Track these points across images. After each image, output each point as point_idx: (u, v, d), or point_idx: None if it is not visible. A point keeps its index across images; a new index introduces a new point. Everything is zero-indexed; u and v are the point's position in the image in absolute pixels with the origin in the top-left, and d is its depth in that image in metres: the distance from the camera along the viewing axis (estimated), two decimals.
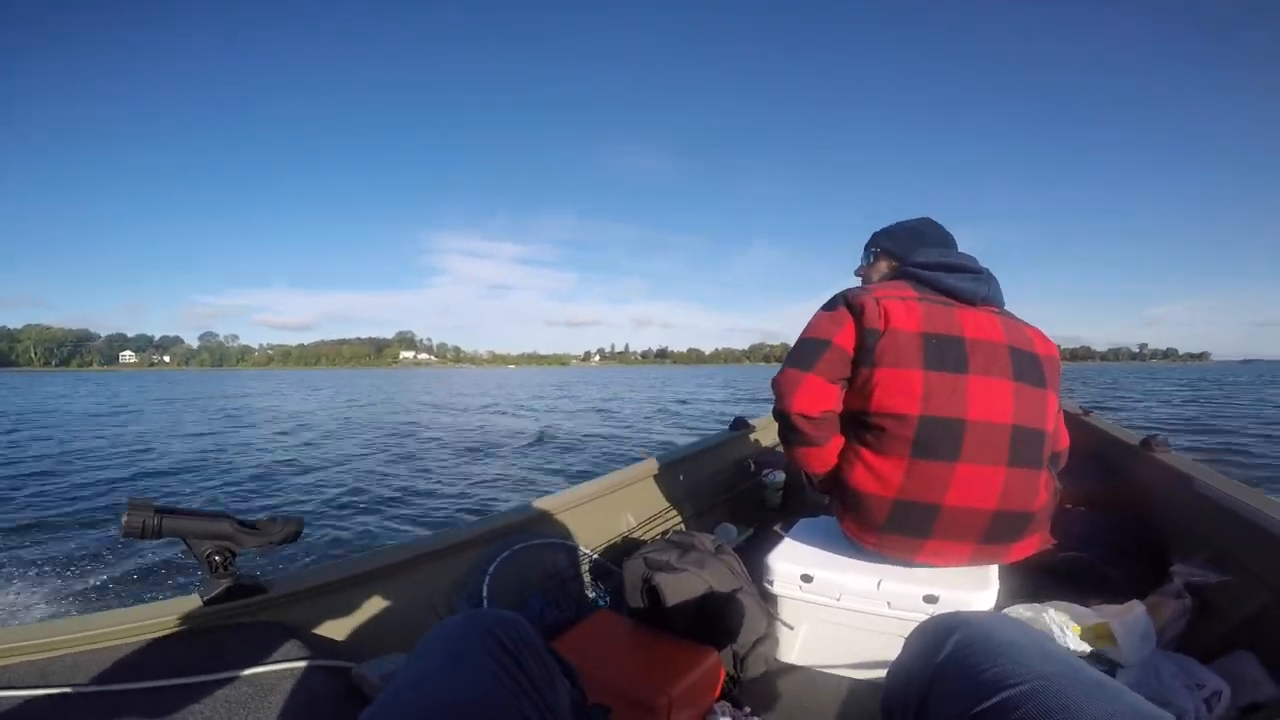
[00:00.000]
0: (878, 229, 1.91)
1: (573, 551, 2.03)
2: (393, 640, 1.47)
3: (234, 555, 1.31)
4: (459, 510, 6.60)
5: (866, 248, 1.92)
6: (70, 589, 4.25)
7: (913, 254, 1.70)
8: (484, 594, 1.70)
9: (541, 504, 2.11)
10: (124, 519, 1.17)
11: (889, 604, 1.53)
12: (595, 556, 2.09)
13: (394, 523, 6.09)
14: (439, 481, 8.30)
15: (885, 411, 1.47)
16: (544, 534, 2.00)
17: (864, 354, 1.49)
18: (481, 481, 8.31)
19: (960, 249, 1.80)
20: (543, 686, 0.71)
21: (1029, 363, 1.51)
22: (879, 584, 1.53)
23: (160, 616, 1.25)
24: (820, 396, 1.54)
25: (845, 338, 1.52)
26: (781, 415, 1.60)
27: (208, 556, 1.29)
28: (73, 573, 4.60)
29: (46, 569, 4.67)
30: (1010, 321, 1.58)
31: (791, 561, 1.65)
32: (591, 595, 1.96)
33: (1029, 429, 1.46)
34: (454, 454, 10.96)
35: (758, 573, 1.71)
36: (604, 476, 2.47)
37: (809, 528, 1.84)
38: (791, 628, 1.64)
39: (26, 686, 1.05)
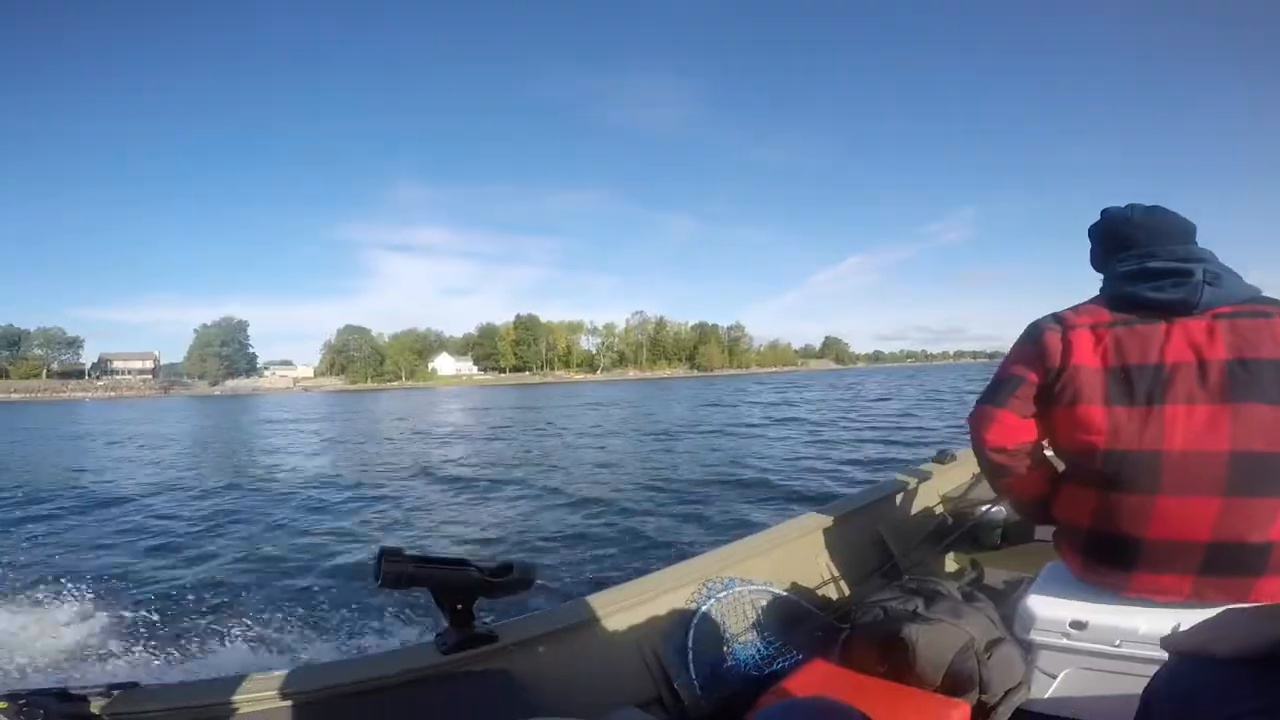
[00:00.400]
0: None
1: (775, 598, 1.97)
2: (613, 690, 1.56)
3: (473, 604, 1.42)
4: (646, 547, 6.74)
5: (1092, 264, 1.75)
6: (302, 632, 4.55)
7: (1113, 261, 1.58)
8: (689, 644, 1.72)
9: (740, 547, 2.11)
10: (383, 569, 1.27)
11: None
12: (802, 602, 2.03)
13: (587, 563, 6.25)
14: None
15: (1072, 449, 1.47)
16: (745, 580, 1.96)
17: (1047, 391, 1.48)
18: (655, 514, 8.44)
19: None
20: None
21: (1266, 373, 1.35)
22: (1175, 627, 1.39)
23: (400, 667, 1.34)
24: (1013, 431, 1.55)
25: (1034, 374, 1.51)
26: (978, 451, 1.64)
27: (451, 606, 1.40)
28: (303, 616, 4.88)
29: (276, 611, 4.95)
30: (1241, 324, 1.39)
31: (1055, 607, 1.54)
32: (800, 644, 1.87)
33: (1257, 454, 1.32)
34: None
35: (1008, 618, 1.62)
36: (802, 516, 2.42)
37: (1058, 571, 1.71)
38: (1053, 676, 1.54)
39: None
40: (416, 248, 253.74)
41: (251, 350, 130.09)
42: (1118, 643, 1.46)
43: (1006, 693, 1.46)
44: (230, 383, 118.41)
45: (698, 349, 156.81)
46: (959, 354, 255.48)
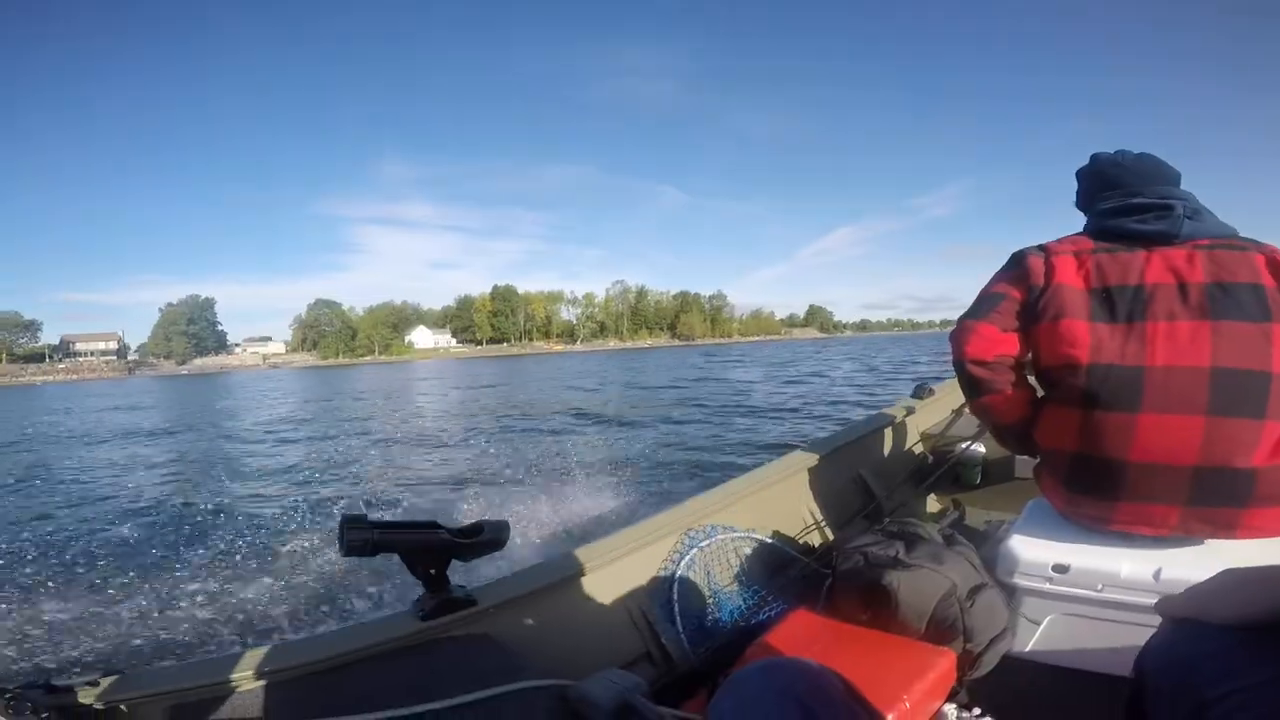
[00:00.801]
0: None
1: (759, 545, 1.97)
2: (599, 650, 1.55)
3: (446, 568, 1.39)
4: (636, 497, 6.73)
5: (1078, 207, 1.79)
6: (278, 610, 4.56)
7: (1097, 200, 1.63)
8: (674, 598, 1.72)
9: (720, 493, 2.08)
10: (346, 537, 1.24)
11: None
12: (785, 548, 2.03)
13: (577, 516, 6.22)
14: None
15: (1054, 364, 1.50)
16: (728, 527, 1.96)
17: (1030, 309, 1.54)
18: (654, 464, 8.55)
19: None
20: None
21: (1244, 296, 1.38)
22: (1158, 572, 1.42)
23: (379, 637, 1.33)
24: (993, 341, 1.60)
25: (1016, 291, 1.58)
26: (957, 364, 1.68)
27: (424, 571, 1.37)
28: (278, 593, 4.89)
29: (251, 591, 4.94)
30: (1220, 254, 1.44)
31: (1037, 549, 1.55)
32: (785, 592, 1.88)
33: (1238, 370, 1.34)
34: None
35: (989, 561, 1.62)
36: (781, 459, 2.40)
37: (1041, 510, 1.71)
38: (1037, 622, 1.55)
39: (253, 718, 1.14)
40: (402, 222, 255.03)
41: (221, 328, 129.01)
42: (1100, 587, 1.47)
43: (991, 640, 1.45)
44: (198, 361, 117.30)
45: (679, 318, 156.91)
46: (945, 322, 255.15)
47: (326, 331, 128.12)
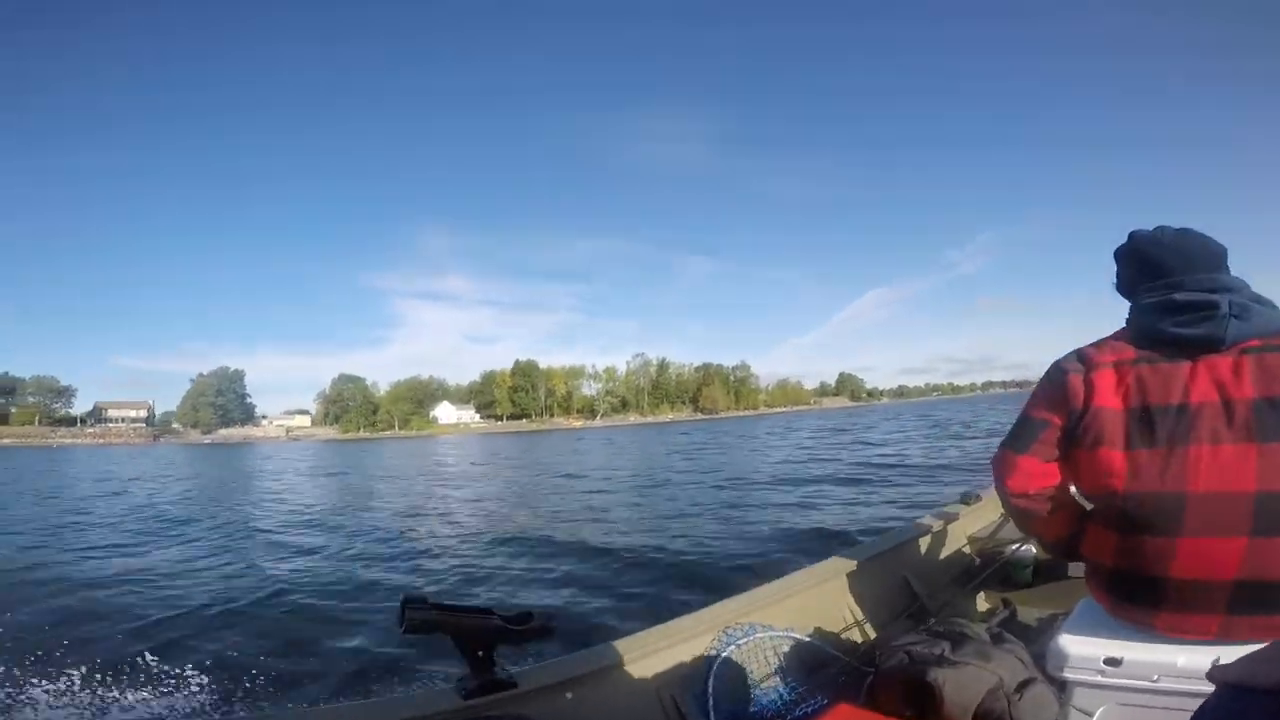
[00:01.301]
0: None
1: (797, 643, 1.99)
2: None
3: (494, 651, 1.48)
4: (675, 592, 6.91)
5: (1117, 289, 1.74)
6: (332, 678, 4.80)
7: (1140, 290, 1.55)
8: (709, 691, 1.75)
9: (760, 593, 2.14)
10: (406, 617, 1.33)
11: None
12: (826, 647, 2.05)
13: (609, 609, 6.53)
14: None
15: (1095, 492, 1.48)
16: (766, 625, 1.99)
17: (1069, 434, 1.49)
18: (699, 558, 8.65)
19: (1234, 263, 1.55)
20: None
21: None
22: (1216, 660, 1.33)
23: (420, 710, 1.41)
24: (1033, 476, 1.57)
25: (1058, 414, 1.51)
26: (1001, 497, 1.66)
27: (473, 653, 1.46)
28: (334, 661, 5.18)
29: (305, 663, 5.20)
30: (1270, 360, 1.36)
31: (1087, 644, 1.53)
32: (824, 689, 1.89)
33: None
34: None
35: (1040, 657, 1.62)
36: (824, 561, 2.45)
37: (1092, 608, 1.68)
38: (1089, 714, 1.53)
39: None
40: (440, 296, 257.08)
41: (250, 400, 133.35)
42: (1156, 678, 1.45)
43: None
44: (222, 431, 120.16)
45: (701, 391, 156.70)
46: (988, 384, 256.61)
47: (349, 406, 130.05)
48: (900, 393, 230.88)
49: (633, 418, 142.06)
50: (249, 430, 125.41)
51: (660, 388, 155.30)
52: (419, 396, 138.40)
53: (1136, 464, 1.38)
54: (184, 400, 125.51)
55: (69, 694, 4.37)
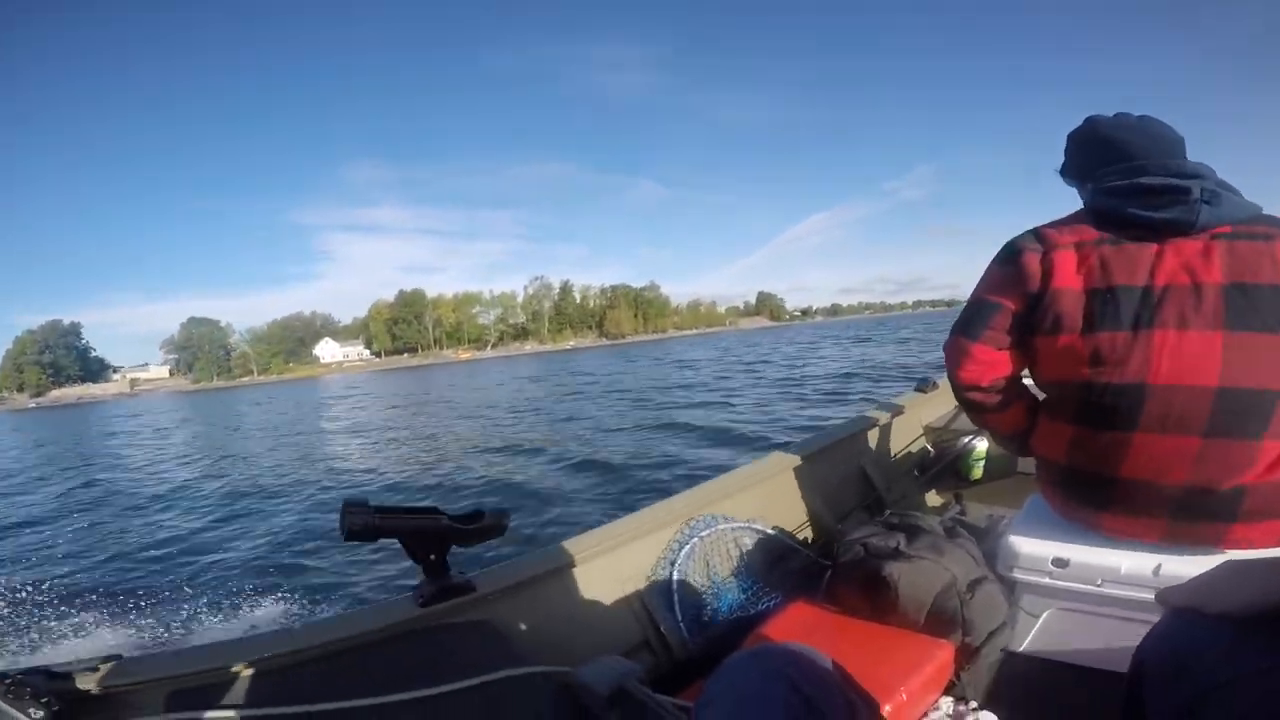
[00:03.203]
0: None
1: (759, 536, 2.11)
2: (597, 638, 1.68)
3: (446, 554, 1.49)
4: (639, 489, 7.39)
5: (1062, 175, 1.77)
6: (279, 598, 5.10)
7: (1098, 174, 1.55)
8: (674, 587, 1.85)
9: (722, 483, 2.23)
10: (346, 521, 1.32)
11: None
12: (785, 540, 2.16)
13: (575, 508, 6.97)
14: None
15: (1053, 382, 1.52)
16: (728, 517, 2.10)
17: (1026, 319, 1.50)
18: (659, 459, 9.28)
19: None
20: None
21: (1265, 300, 1.33)
22: (1157, 569, 1.47)
23: (378, 622, 1.43)
24: (989, 365, 1.59)
25: (1012, 299, 1.52)
26: (953, 388, 1.71)
27: (424, 557, 1.47)
28: (277, 581, 5.48)
29: (248, 581, 5.55)
30: (1241, 246, 1.37)
31: (1037, 544, 1.62)
32: (784, 583, 2.01)
33: (1244, 390, 1.32)
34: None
35: (990, 555, 1.72)
36: (783, 450, 2.54)
37: (1040, 506, 1.78)
38: (1036, 616, 1.65)
39: (247, 705, 1.20)
40: (372, 227, 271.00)
41: (96, 354, 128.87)
42: (1099, 582, 1.54)
43: (990, 634, 1.54)
44: (55, 393, 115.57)
45: (606, 315, 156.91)
46: (918, 303, 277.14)
47: (200, 353, 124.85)
48: (834, 311, 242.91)
49: (529, 347, 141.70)
50: (88, 389, 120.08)
51: (563, 313, 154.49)
52: (300, 335, 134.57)
53: (1097, 347, 1.40)
54: (4, 362, 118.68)
55: None
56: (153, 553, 7.59)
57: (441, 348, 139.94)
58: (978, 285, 1.62)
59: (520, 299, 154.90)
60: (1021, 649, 1.66)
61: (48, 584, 6.38)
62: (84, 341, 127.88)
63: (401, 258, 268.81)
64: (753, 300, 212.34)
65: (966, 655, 1.53)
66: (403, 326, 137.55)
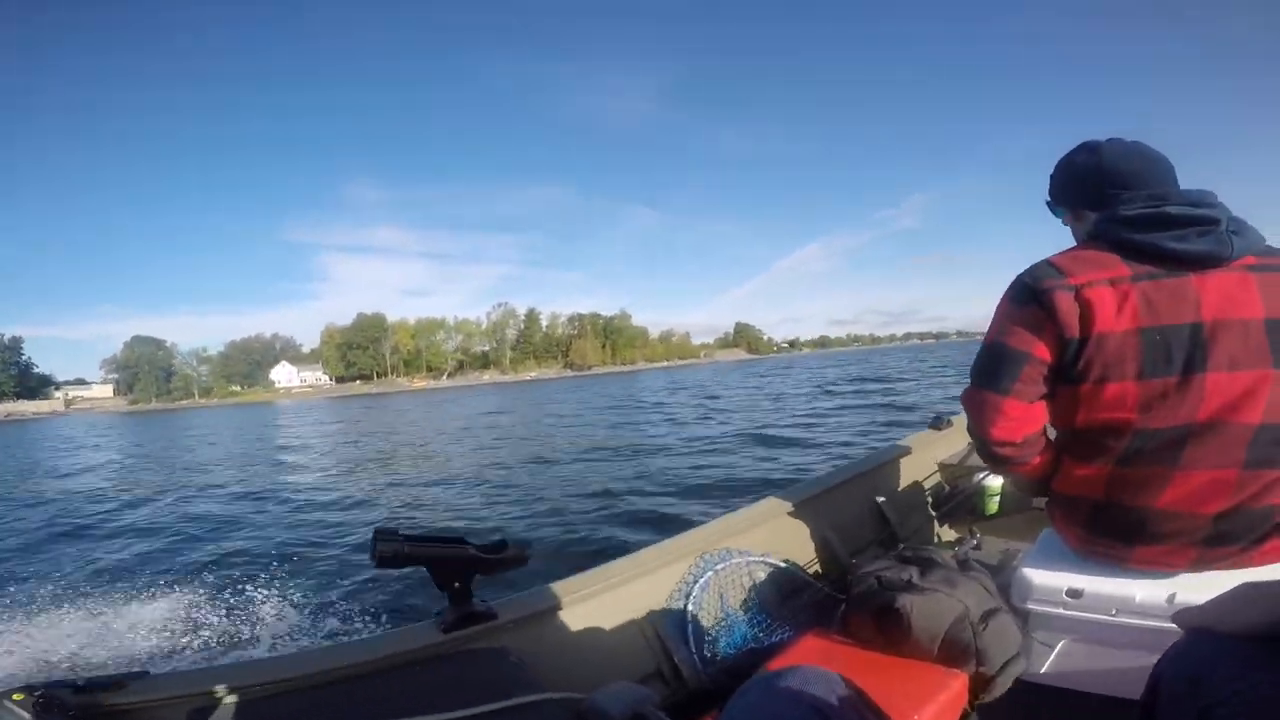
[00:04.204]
0: (1053, 171, 1.73)
1: (773, 569, 2.18)
2: (612, 666, 1.75)
3: (470, 582, 1.59)
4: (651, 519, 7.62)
5: (1050, 205, 1.77)
6: (307, 618, 5.22)
7: (1112, 203, 1.52)
8: (688, 618, 1.92)
9: (737, 518, 2.32)
10: (377, 548, 1.42)
11: None
12: (800, 573, 2.24)
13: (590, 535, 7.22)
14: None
15: (1093, 428, 1.46)
16: (743, 551, 2.17)
17: (1064, 367, 1.44)
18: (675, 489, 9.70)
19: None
20: None
21: None
22: (1171, 597, 1.51)
23: (402, 646, 1.52)
24: (1020, 421, 1.53)
25: (1043, 348, 1.45)
26: (979, 442, 1.63)
27: (449, 584, 1.57)
28: (310, 601, 5.63)
29: (285, 600, 5.63)
30: (1273, 278, 1.38)
31: (1050, 575, 1.67)
32: (798, 616, 2.07)
33: None
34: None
35: (1004, 587, 1.76)
36: (798, 485, 2.66)
37: (1055, 540, 1.82)
38: (1050, 646, 1.69)
39: None
40: (370, 249, 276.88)
41: (38, 370, 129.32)
42: (1114, 611, 1.57)
43: (1004, 664, 1.58)
44: None
45: (572, 344, 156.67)
46: (907, 336, 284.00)
47: (142, 374, 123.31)
48: (823, 343, 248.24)
49: (486, 377, 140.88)
50: (18, 405, 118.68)
51: (528, 341, 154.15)
52: (258, 358, 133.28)
53: (1149, 395, 1.36)
54: None
55: None
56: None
57: (399, 375, 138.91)
58: (994, 328, 1.54)
59: (484, 325, 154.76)
60: (1036, 678, 1.69)
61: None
62: (25, 357, 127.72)
63: (400, 280, 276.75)
64: (732, 331, 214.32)
65: (980, 685, 1.58)
66: (357, 352, 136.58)
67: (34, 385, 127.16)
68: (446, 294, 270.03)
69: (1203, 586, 1.47)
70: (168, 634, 4.88)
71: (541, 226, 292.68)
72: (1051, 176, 1.73)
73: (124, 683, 1.29)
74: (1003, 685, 1.60)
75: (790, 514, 2.46)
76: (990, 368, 1.53)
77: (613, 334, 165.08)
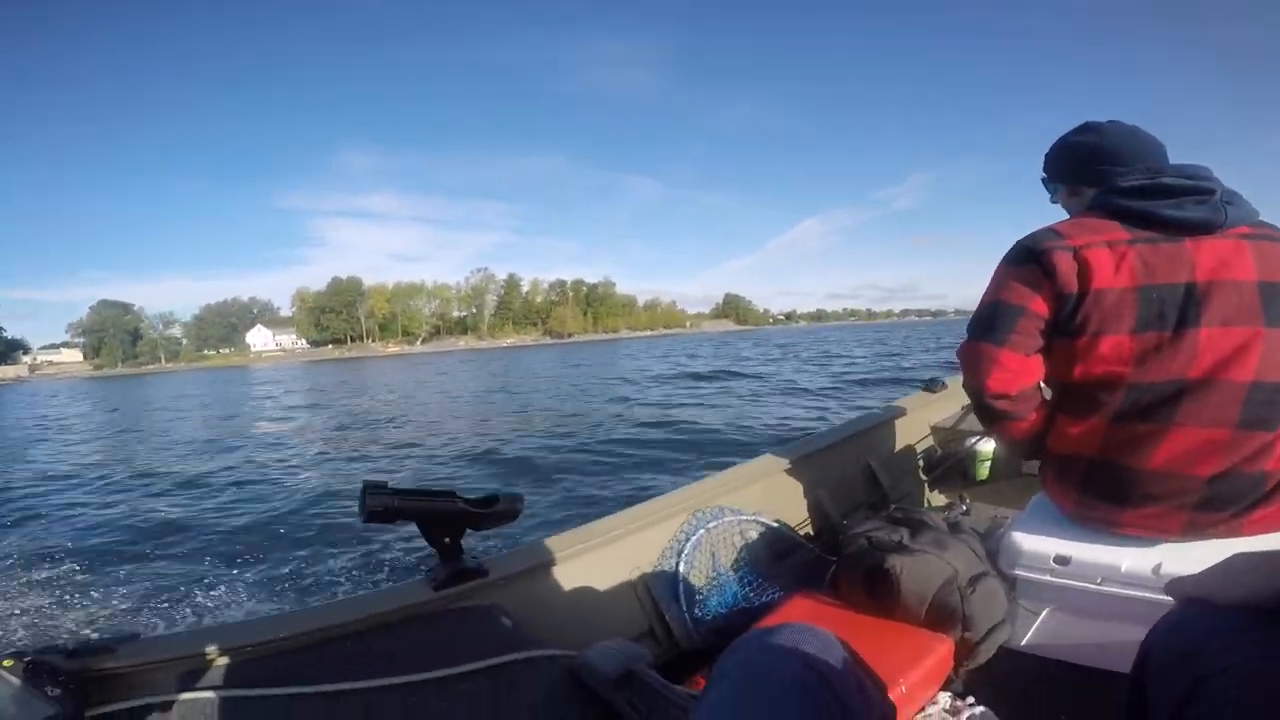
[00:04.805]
0: (1051, 149, 1.82)
1: (765, 529, 2.21)
2: (604, 623, 1.78)
3: (461, 537, 1.59)
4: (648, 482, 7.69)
5: (1046, 181, 1.87)
6: (294, 581, 5.31)
7: (1110, 179, 1.60)
8: (679, 576, 1.95)
9: (729, 476, 2.35)
10: (366, 503, 1.41)
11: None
12: (791, 533, 2.27)
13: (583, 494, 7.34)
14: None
15: (1088, 382, 1.51)
16: (735, 510, 2.20)
17: (1061, 322, 1.50)
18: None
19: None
20: (858, 709, 0.76)
21: None
22: (1157, 567, 1.54)
23: (392, 604, 1.52)
24: (1017, 372, 1.59)
25: (1040, 302, 1.52)
26: (974, 396, 1.70)
27: (440, 540, 1.57)
28: (295, 564, 5.71)
29: (269, 563, 5.76)
30: (1264, 246, 1.46)
31: (1039, 541, 1.70)
32: (788, 576, 2.10)
33: (1275, 385, 1.41)
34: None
35: (993, 553, 1.81)
36: (791, 445, 2.70)
37: (1045, 506, 1.87)
38: (1035, 614, 1.73)
39: (262, 685, 1.26)
40: (365, 214, 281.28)
41: (5, 334, 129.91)
42: (1099, 580, 1.61)
43: (989, 630, 1.61)
44: None
45: (552, 311, 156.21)
46: (904, 312, 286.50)
47: (108, 338, 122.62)
48: (818, 317, 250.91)
49: (464, 343, 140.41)
50: None
51: (508, 307, 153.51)
52: (234, 321, 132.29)
53: (1145, 346, 1.43)
54: None
55: None
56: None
57: (373, 340, 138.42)
58: (993, 287, 1.61)
59: (463, 290, 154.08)
60: (1021, 646, 1.73)
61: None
62: None
63: (393, 245, 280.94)
64: (721, 301, 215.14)
65: (965, 650, 1.61)
66: (330, 316, 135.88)
67: (2, 350, 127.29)
68: (440, 260, 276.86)
69: (1189, 557, 1.52)
70: (152, 603, 4.93)
71: (537, 195, 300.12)
72: (1049, 153, 1.82)
73: (114, 646, 1.29)
74: (987, 651, 1.64)
75: (783, 472, 2.50)
76: (987, 321, 1.59)
77: (595, 301, 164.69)
